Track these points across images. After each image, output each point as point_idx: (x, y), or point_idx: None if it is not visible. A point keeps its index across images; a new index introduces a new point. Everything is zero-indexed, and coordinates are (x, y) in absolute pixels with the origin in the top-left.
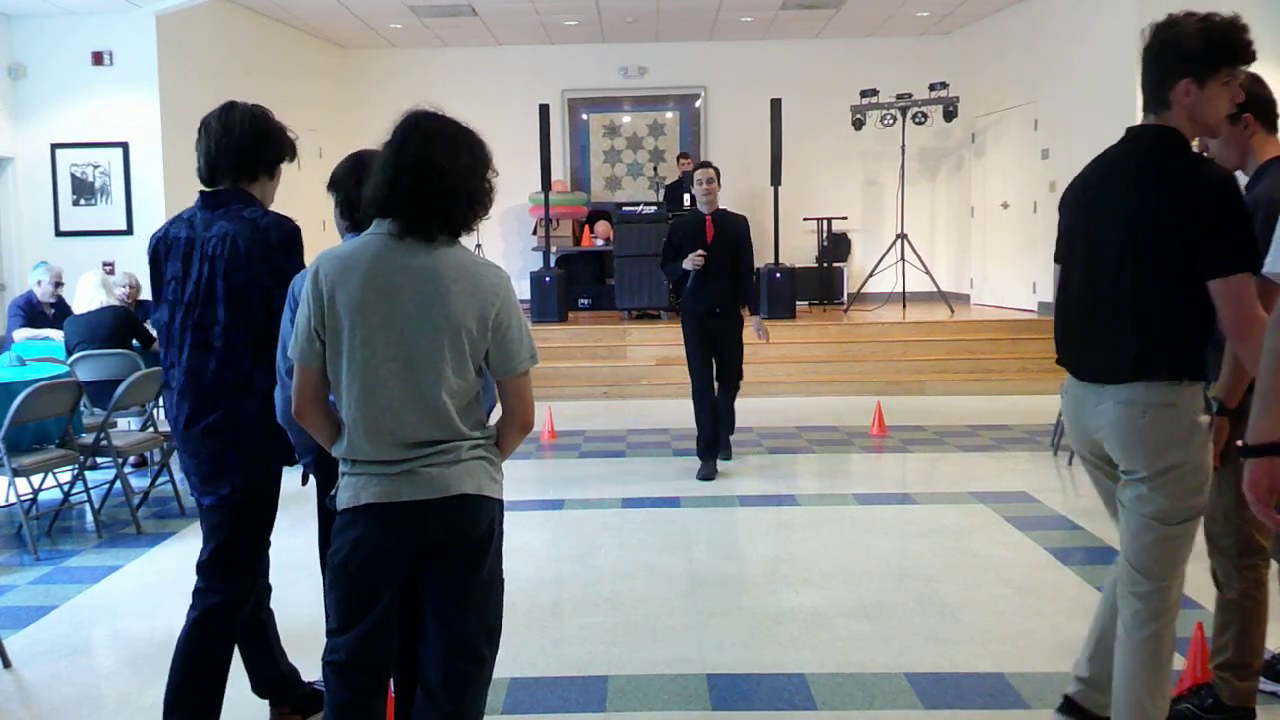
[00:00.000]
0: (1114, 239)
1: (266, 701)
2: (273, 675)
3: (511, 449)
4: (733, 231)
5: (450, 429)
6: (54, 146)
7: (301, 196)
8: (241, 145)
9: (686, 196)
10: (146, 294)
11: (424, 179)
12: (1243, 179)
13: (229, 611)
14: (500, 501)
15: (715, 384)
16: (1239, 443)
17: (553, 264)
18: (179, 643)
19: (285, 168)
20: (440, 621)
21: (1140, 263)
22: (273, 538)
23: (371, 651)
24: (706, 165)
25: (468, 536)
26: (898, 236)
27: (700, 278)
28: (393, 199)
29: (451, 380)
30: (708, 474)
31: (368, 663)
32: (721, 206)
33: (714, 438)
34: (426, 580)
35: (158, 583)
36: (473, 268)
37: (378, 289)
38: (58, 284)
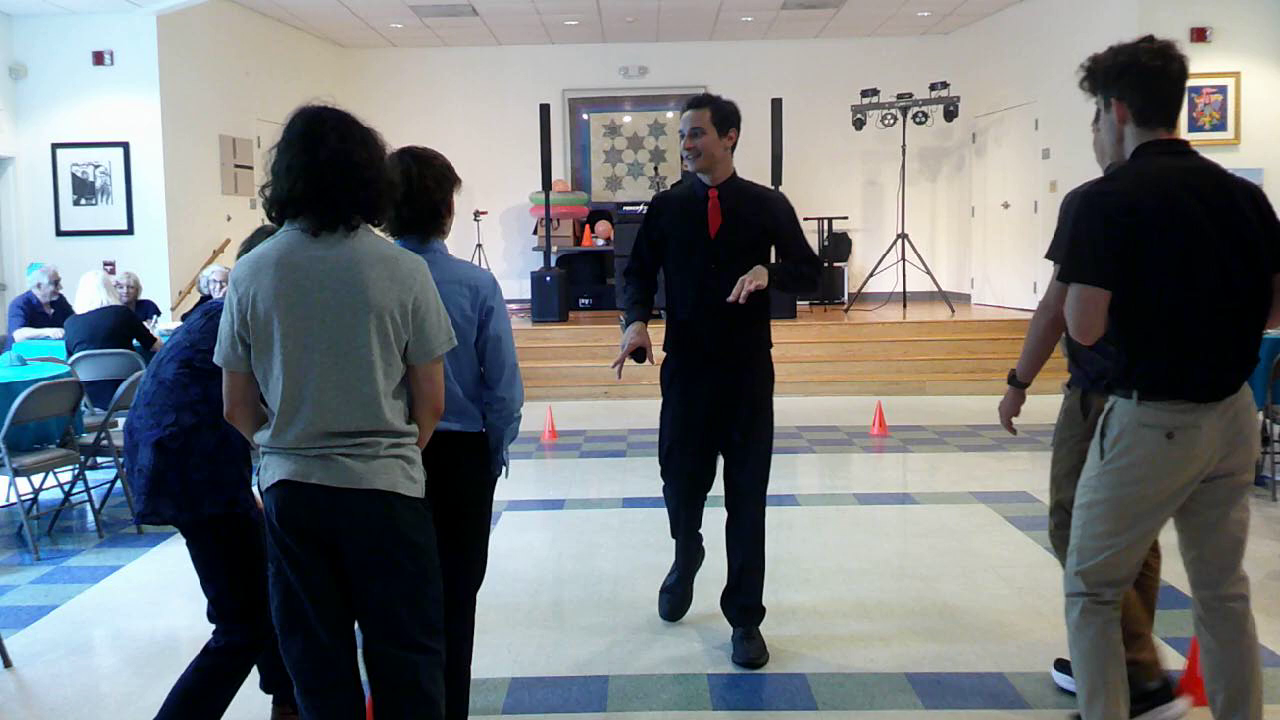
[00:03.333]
0: (1235, 251)
1: (269, 700)
2: (280, 670)
3: (428, 435)
4: (759, 218)
5: (377, 419)
6: (55, 146)
7: None
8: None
9: None
10: (146, 294)
11: (344, 174)
12: None
13: (249, 648)
14: (419, 499)
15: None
16: None
17: (553, 264)
18: (188, 669)
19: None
20: (371, 617)
21: (1256, 270)
22: None
23: (334, 654)
24: (700, 102)
25: (379, 532)
26: (898, 236)
27: (699, 299)
28: (310, 197)
29: (380, 368)
30: (667, 611)
31: (334, 674)
32: (740, 176)
33: (688, 578)
34: (353, 578)
35: (159, 583)
36: (390, 254)
37: (293, 283)
38: (56, 282)
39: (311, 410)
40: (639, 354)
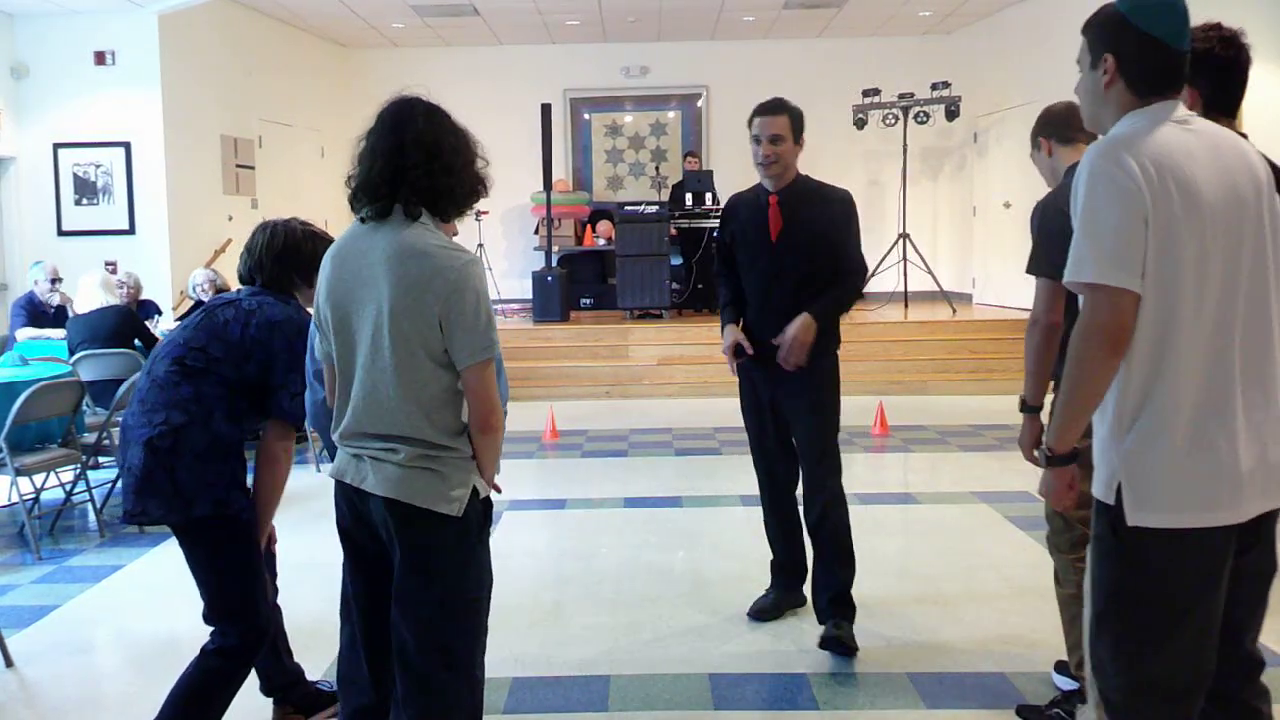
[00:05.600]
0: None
1: (269, 701)
2: (278, 674)
3: (482, 453)
4: (816, 220)
5: (398, 426)
6: (56, 146)
7: (306, 197)
8: None
9: (689, 197)
10: (147, 294)
11: (386, 162)
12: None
13: (245, 650)
14: (448, 518)
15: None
16: (1046, 450)
17: (554, 264)
18: (186, 671)
19: (292, 170)
20: (394, 628)
21: None
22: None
23: (372, 649)
24: (778, 108)
25: (398, 543)
26: (900, 236)
27: (762, 303)
28: (361, 186)
29: (402, 373)
30: (761, 607)
31: (357, 674)
32: (805, 175)
33: (788, 560)
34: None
35: (160, 582)
36: (424, 250)
37: (339, 277)
38: (54, 280)
39: (353, 407)
40: (739, 350)
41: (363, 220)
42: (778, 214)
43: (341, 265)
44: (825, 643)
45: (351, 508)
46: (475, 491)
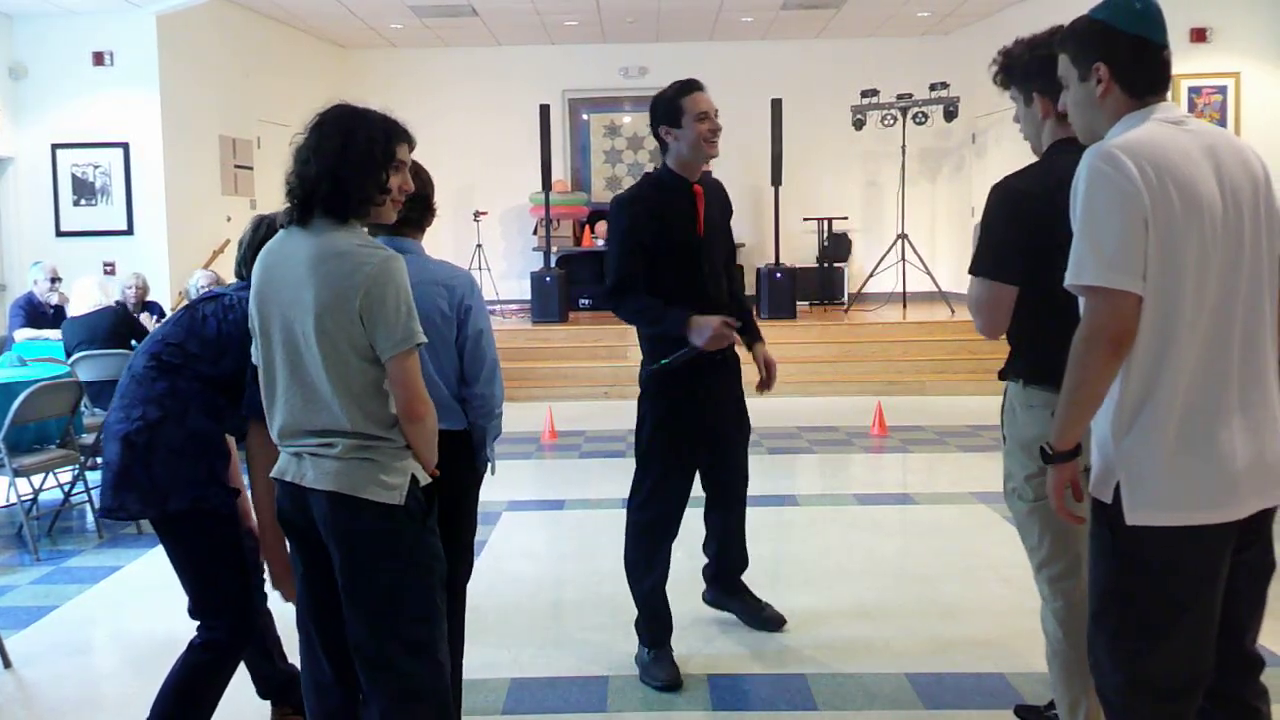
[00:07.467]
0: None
1: (269, 703)
2: (273, 677)
3: (415, 441)
4: (724, 211)
5: (334, 420)
6: (54, 147)
7: None
8: None
9: None
10: (154, 294)
11: (300, 166)
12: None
13: (231, 644)
14: (391, 506)
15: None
16: (1046, 448)
17: (553, 264)
18: (174, 666)
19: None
20: (348, 624)
21: None
22: None
23: (331, 645)
24: (702, 87)
25: (342, 535)
26: (898, 236)
27: (698, 308)
28: (292, 191)
29: (332, 368)
30: (668, 679)
31: (320, 677)
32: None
33: (667, 618)
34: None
35: (159, 583)
36: (344, 249)
37: (268, 280)
38: (54, 279)
39: (283, 406)
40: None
41: (283, 226)
42: (702, 206)
43: (266, 268)
44: (768, 622)
45: (295, 504)
46: (415, 480)
